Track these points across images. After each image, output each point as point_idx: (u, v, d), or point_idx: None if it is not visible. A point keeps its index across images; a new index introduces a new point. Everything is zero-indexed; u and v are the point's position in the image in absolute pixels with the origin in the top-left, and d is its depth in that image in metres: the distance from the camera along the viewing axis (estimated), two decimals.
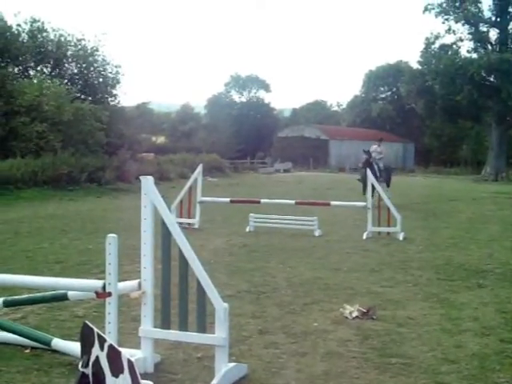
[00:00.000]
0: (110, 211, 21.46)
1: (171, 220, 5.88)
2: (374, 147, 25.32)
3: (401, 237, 15.03)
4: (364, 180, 19.95)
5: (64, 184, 28.52)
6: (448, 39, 64.04)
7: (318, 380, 5.81)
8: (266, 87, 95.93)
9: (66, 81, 40.77)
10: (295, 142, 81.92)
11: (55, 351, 6.44)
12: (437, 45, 63.79)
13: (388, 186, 24.77)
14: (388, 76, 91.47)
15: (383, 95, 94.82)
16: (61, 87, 35.94)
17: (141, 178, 5.92)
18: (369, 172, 17.16)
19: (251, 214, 16.44)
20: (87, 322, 5.10)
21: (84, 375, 5.00)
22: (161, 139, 72.91)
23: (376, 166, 23.84)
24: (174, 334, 5.96)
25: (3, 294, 8.03)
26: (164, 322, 5.95)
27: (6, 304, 7.08)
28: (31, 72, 41.06)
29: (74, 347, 6.05)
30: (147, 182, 5.85)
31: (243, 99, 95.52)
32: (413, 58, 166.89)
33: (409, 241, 14.76)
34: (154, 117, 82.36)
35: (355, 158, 74.97)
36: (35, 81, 36.94)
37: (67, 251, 12.65)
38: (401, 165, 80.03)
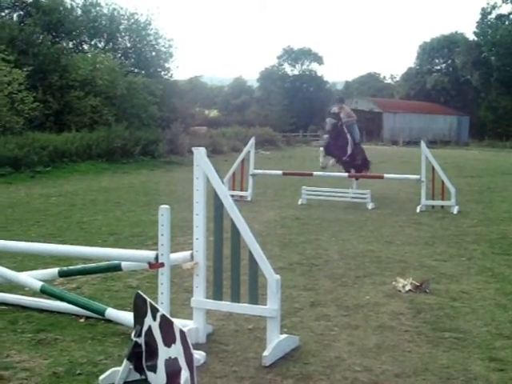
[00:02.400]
0: (163, 184, 21.61)
1: (224, 192, 5.87)
2: (334, 109, 17.17)
3: (455, 210, 14.81)
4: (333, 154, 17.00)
5: (118, 157, 28.79)
6: (505, 9, 62.89)
7: (369, 353, 5.78)
8: (318, 60, 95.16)
9: (119, 55, 41.09)
10: None
11: (109, 321, 6.53)
12: (493, 15, 62.63)
13: (367, 168, 18.44)
14: (443, 47, 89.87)
15: (438, 67, 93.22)
16: (114, 61, 36.23)
17: (193, 149, 5.91)
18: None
19: (304, 187, 16.38)
20: (140, 292, 5.15)
21: (137, 344, 5.06)
22: (213, 113, 73.15)
23: (349, 137, 17.09)
24: (225, 305, 5.98)
25: (59, 264, 8.18)
26: (216, 292, 5.97)
27: (61, 274, 7.21)
28: (85, 46, 41.50)
29: (127, 317, 6.13)
30: (199, 154, 5.84)
31: (296, 72, 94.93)
32: (468, 29, 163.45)
33: (463, 214, 14.53)
34: (207, 90, 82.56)
35: (409, 131, 74.31)
36: (89, 55, 37.27)
37: (121, 223, 12.80)
38: (455, 138, 78.88)
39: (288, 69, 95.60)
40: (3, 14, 37.53)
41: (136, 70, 40.44)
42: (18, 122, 26.64)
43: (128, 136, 30.33)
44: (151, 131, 33.70)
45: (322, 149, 17.11)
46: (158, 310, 4.75)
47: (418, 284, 7.82)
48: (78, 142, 27.53)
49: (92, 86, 33.21)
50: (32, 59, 31.48)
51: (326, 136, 16.83)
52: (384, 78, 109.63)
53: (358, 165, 17.79)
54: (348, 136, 16.87)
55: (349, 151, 16.87)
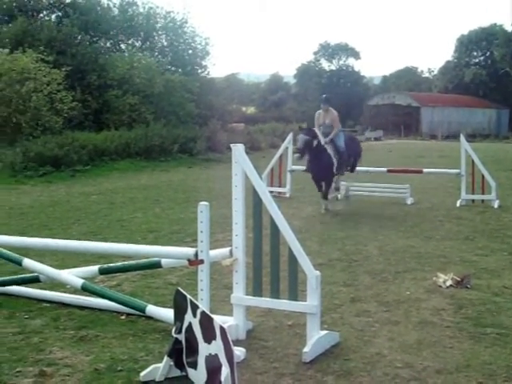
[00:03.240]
0: (202, 181, 21.69)
1: (262, 188, 5.86)
2: (317, 114, 14.39)
3: (496, 204, 14.61)
4: (318, 179, 14.27)
5: (156, 155, 28.95)
6: None
7: (410, 349, 5.73)
8: (355, 55, 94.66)
9: (156, 53, 41.32)
10: (385, 110, 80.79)
11: (149, 317, 6.57)
12: None
13: (352, 170, 15.70)
14: (481, 40, 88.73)
15: (476, 60, 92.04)
16: (151, 60, 36.44)
17: (231, 146, 5.91)
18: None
19: (342, 182, 16.31)
20: (180, 289, 5.17)
21: (177, 341, 5.09)
22: (250, 109, 73.20)
23: (331, 150, 13.98)
24: (265, 302, 5.98)
25: (99, 262, 8.25)
26: (256, 289, 5.96)
27: (102, 272, 7.27)
28: (122, 46, 41.77)
29: (167, 314, 6.16)
30: (238, 150, 5.83)
31: (332, 67, 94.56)
32: (507, 21, 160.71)
33: (504, 208, 14.34)
34: (244, 87, 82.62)
35: (448, 125, 73.52)
36: (126, 54, 37.53)
37: (160, 220, 12.87)
38: (494, 131, 77.84)
39: (325, 64, 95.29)
40: (41, 15, 37.96)
41: (173, 68, 40.60)
42: (58, 122, 26.96)
43: (166, 134, 30.47)
44: (189, 129, 33.81)
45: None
46: (198, 307, 4.77)
47: (459, 279, 7.73)
48: (116, 141, 27.76)
49: (130, 84, 33.43)
50: (70, 59, 31.82)
51: (296, 155, 13.63)
52: (422, 71, 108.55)
53: (352, 166, 15.35)
54: (330, 150, 13.87)
55: (334, 169, 14.03)
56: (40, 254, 8.81)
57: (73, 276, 7.11)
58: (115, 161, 26.83)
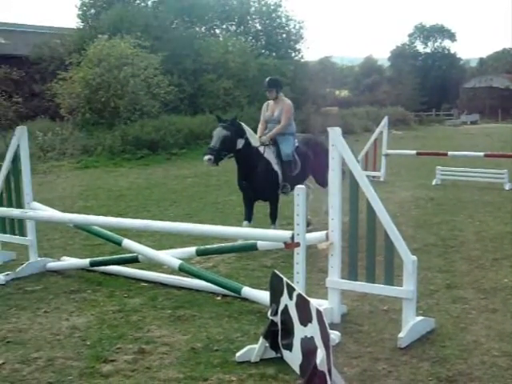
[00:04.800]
0: None
1: (359, 171, 5.83)
2: (265, 106, 10.36)
3: None
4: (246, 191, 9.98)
5: None
6: None
7: (508, 338, 5.61)
8: (451, 37, 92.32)
9: (250, 37, 41.45)
10: (482, 93, 78.58)
11: (245, 299, 6.66)
12: None
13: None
14: None
15: None
16: (245, 44, 36.60)
17: (328, 129, 5.90)
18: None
19: (438, 167, 16.03)
20: (276, 271, 5.21)
21: (273, 323, 5.13)
22: (344, 93, 72.56)
23: (271, 155, 9.73)
24: (361, 286, 5.96)
25: (195, 243, 8.40)
26: (351, 273, 5.95)
27: (199, 253, 7.40)
28: (217, 30, 42.06)
29: (262, 296, 6.22)
30: (335, 134, 5.82)
31: (428, 50, 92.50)
32: None
33: None
34: (337, 71, 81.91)
35: None
36: (221, 39, 37.81)
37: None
38: None
39: (420, 47, 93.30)
40: (138, 1, 38.59)
41: (267, 52, 40.67)
42: (154, 106, 27.44)
43: (259, 117, 30.57)
44: None
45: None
46: (294, 289, 4.80)
47: None
48: (211, 125, 27.92)
49: (224, 68, 33.67)
50: (166, 44, 32.26)
51: (206, 158, 9.00)
52: None
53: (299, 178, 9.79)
54: (270, 156, 9.64)
55: (280, 181, 9.75)
56: (137, 235, 9.04)
57: (170, 257, 7.27)
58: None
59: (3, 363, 5.54)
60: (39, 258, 8.48)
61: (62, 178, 18.27)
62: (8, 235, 8.57)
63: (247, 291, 6.52)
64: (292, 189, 8.46)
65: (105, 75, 26.25)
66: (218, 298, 6.95)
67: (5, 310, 6.93)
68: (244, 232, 6.53)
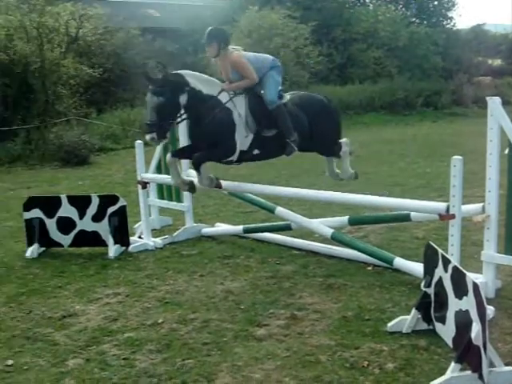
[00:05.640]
0: (447, 135, 21.11)
1: None
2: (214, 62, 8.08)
3: None
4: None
5: (400, 109, 28.64)
6: None
7: None
8: None
9: (400, 6, 40.54)
10: None
11: (396, 270, 6.64)
12: None
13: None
14: None
15: None
16: (396, 13, 35.89)
17: (487, 99, 5.72)
18: None
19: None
20: (431, 243, 5.16)
21: (426, 295, 5.10)
22: (497, 62, 69.75)
23: (244, 103, 7.33)
24: None
25: (345, 213, 8.40)
26: (508, 247, 5.78)
27: (351, 222, 7.44)
28: None
29: (415, 267, 6.19)
30: (494, 103, 5.63)
31: None
32: None
33: None
34: (490, 39, 78.80)
35: None
36: (371, 7, 37.26)
37: (405, 174, 12.79)
38: None
39: None
40: None
41: (417, 21, 39.65)
42: (304, 76, 27.51)
43: (410, 87, 30.02)
44: (433, 82, 33.00)
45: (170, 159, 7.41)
46: (450, 262, 4.74)
47: None
48: (360, 95, 27.87)
49: (374, 38, 33.20)
50: (316, 14, 32.15)
51: (148, 137, 6.90)
52: None
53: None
54: (233, 104, 7.25)
55: (235, 140, 7.17)
56: (287, 204, 9.16)
57: (323, 225, 7.34)
58: (359, 114, 26.96)
59: (162, 322, 5.83)
60: (194, 224, 8.81)
61: None
62: (165, 201, 8.94)
63: (399, 262, 6.50)
64: (263, 156, 7.50)
65: (255, 46, 26.55)
66: (369, 267, 6.96)
67: (163, 273, 7.27)
68: (397, 203, 6.48)
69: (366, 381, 4.56)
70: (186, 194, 8.64)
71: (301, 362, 4.89)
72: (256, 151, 7.36)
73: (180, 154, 7.56)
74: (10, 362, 5.26)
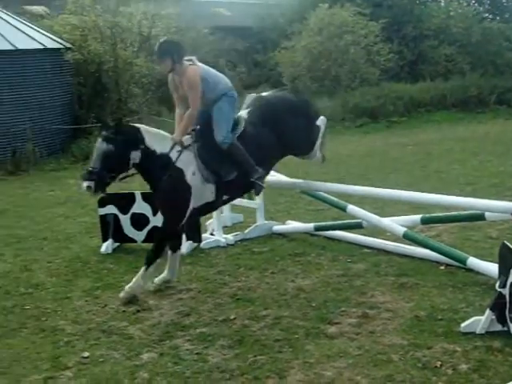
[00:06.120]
0: None
1: None
2: (170, 81, 7.03)
3: None
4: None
5: (472, 106, 28.11)
6: None
7: None
8: None
9: (473, 1, 39.84)
10: None
11: (469, 270, 6.55)
12: None
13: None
14: None
15: None
16: (468, 8, 35.29)
17: None
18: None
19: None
20: (506, 242, 5.09)
21: (501, 295, 5.04)
22: None
23: (194, 155, 6.71)
24: None
25: (417, 212, 8.32)
26: None
27: (424, 221, 7.37)
28: None
29: (489, 267, 6.10)
30: None
31: None
32: None
33: None
34: None
35: None
36: (442, 3, 36.72)
37: (478, 173, 12.55)
38: None
39: None
40: None
41: (490, 16, 38.90)
42: (374, 74, 27.33)
43: (483, 84, 29.44)
44: (507, 79, 32.30)
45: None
46: None
47: None
48: (432, 92, 27.44)
49: (446, 34, 32.68)
50: (386, 11, 31.88)
51: (84, 185, 6.33)
52: None
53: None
54: (183, 161, 6.63)
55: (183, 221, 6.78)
56: (359, 202, 9.12)
57: (395, 224, 7.30)
58: (430, 112, 26.58)
59: (234, 318, 5.91)
60: (266, 221, 8.87)
61: None
62: (237, 199, 9.02)
63: (473, 262, 6.40)
64: (234, 198, 7.17)
65: (326, 43, 26.51)
66: (442, 267, 6.90)
67: (234, 269, 7.35)
68: (470, 202, 6.40)
69: (438, 381, 4.55)
70: None
71: (373, 361, 4.89)
72: (225, 197, 6.93)
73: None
74: (86, 354, 5.41)
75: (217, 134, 6.63)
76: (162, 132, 6.88)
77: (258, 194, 7.09)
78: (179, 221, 6.70)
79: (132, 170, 6.63)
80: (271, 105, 7.11)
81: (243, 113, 7.05)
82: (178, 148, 6.61)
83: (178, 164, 6.56)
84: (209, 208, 7.00)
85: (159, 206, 6.93)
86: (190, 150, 6.66)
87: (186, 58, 6.70)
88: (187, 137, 6.71)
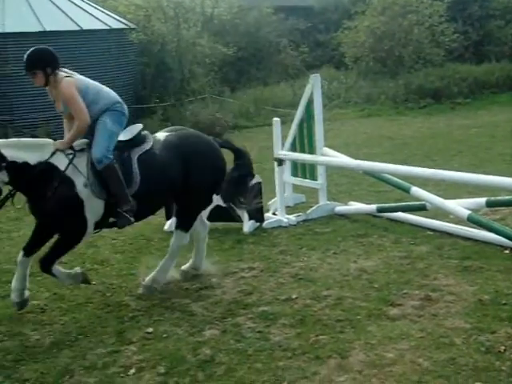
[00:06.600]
0: None
1: None
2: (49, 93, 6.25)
3: None
4: None
5: None
6: None
7: None
8: None
9: None
10: None
11: None
12: None
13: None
14: None
15: None
16: None
17: None
18: None
19: None
20: None
21: None
22: None
23: (86, 164, 5.99)
24: None
25: (481, 194, 8.16)
26: None
27: (489, 204, 7.26)
28: None
29: None
30: None
31: None
32: None
33: None
34: None
35: None
36: None
37: None
38: None
39: None
40: None
41: None
42: (439, 54, 26.88)
43: None
44: None
45: None
46: None
47: None
48: (497, 73, 26.84)
49: None
50: None
51: None
52: None
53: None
54: (74, 171, 5.89)
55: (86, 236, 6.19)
56: (422, 184, 9.03)
57: (459, 206, 7.21)
58: (496, 94, 26.05)
59: (296, 297, 5.96)
60: (328, 202, 8.86)
61: (346, 126, 18.66)
62: (300, 179, 9.05)
63: None
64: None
65: (389, 23, 26.17)
66: (507, 251, 6.80)
67: (296, 249, 7.39)
68: None
69: (502, 366, 4.51)
70: (321, 172, 8.72)
71: (435, 344, 4.88)
72: (112, 219, 6.10)
73: (32, 248, 6.12)
74: (149, 329, 5.53)
75: (94, 150, 5.89)
76: (32, 140, 6.36)
77: (120, 227, 6.19)
78: (76, 241, 6.07)
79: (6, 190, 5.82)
80: (194, 142, 6.45)
81: (161, 134, 6.44)
82: (64, 155, 5.86)
83: (68, 173, 5.82)
84: (95, 229, 6.17)
85: (50, 222, 5.99)
86: (83, 156, 5.95)
87: (61, 68, 6.05)
88: (83, 140, 6.05)
